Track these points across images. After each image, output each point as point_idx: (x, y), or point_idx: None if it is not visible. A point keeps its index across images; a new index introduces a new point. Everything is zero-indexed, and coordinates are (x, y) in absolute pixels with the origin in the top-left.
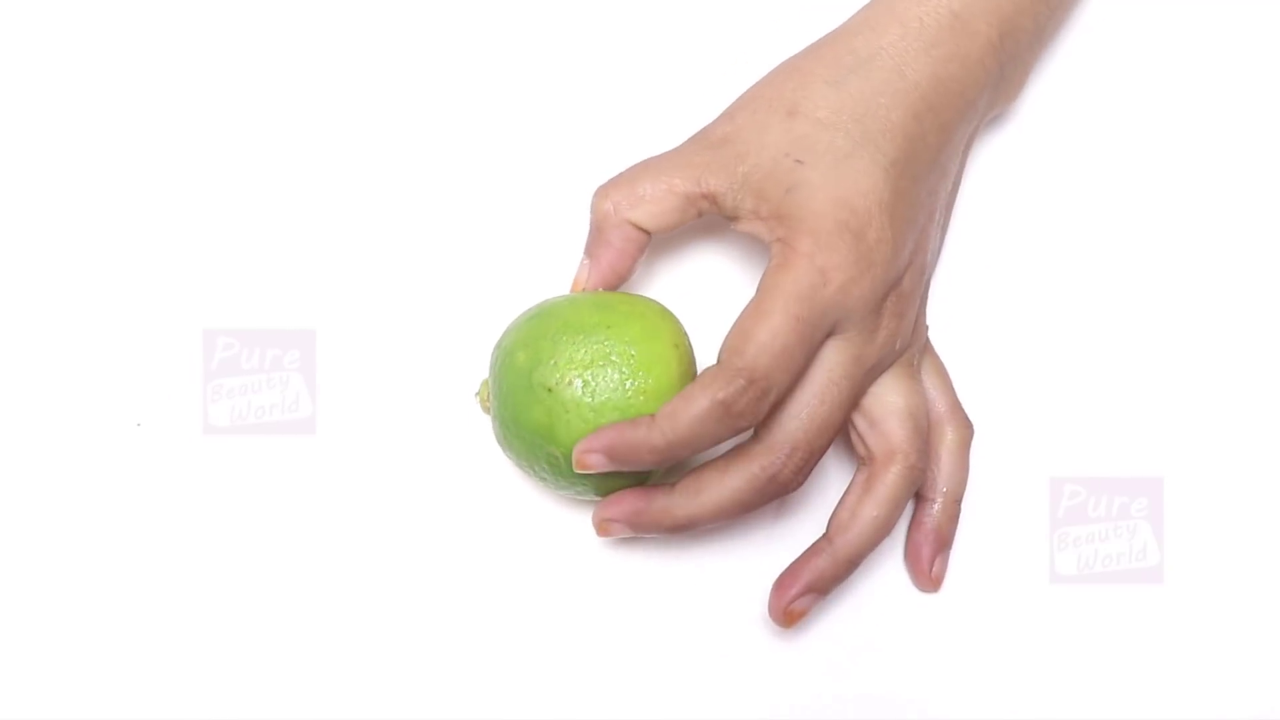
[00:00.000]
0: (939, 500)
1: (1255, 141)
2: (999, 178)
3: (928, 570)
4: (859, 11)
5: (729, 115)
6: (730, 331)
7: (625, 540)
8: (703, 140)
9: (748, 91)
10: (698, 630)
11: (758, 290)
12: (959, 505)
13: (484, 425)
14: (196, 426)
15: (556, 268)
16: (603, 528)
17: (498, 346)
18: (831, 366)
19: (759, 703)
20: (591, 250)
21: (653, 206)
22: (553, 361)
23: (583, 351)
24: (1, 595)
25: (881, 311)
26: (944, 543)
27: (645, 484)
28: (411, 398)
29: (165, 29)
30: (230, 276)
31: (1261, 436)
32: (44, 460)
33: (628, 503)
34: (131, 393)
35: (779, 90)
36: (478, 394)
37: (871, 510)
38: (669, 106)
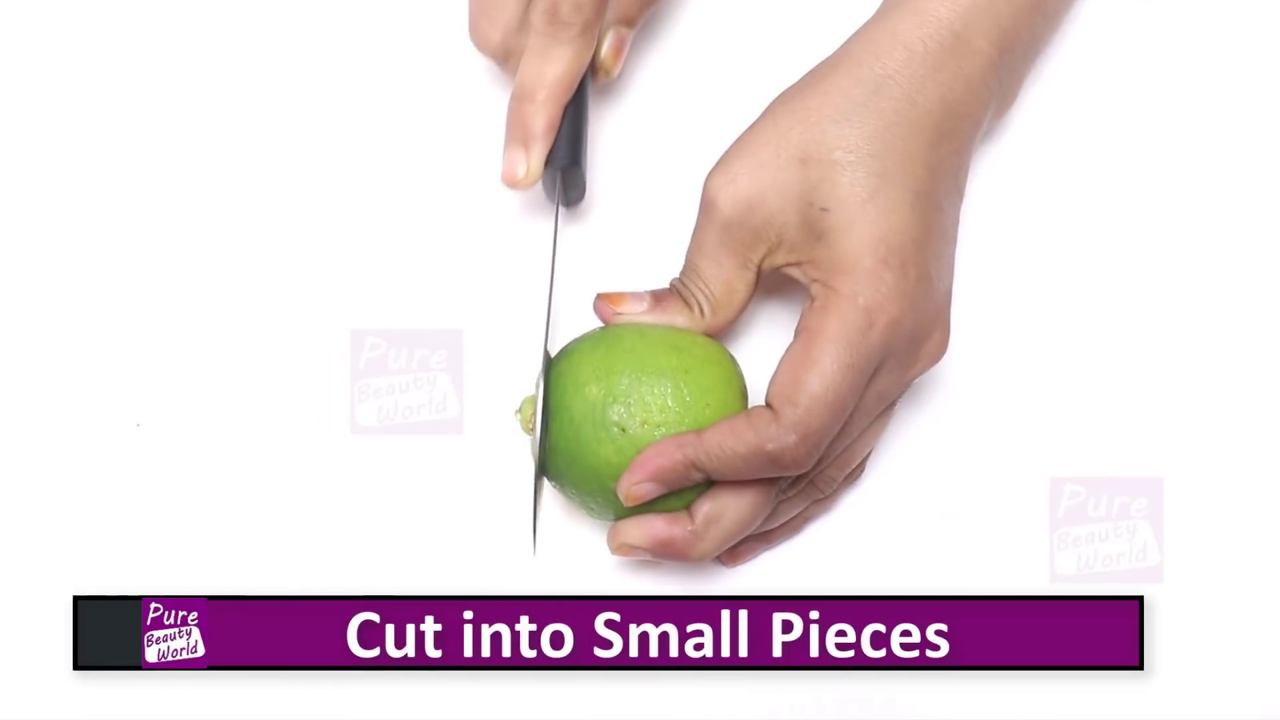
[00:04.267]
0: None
1: (1249, 142)
2: (995, 180)
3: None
4: (857, 36)
5: (729, 174)
6: (779, 376)
7: None
8: (721, 219)
9: (747, 135)
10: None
11: (802, 332)
12: None
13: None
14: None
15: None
16: (622, 550)
17: (555, 371)
18: (858, 404)
19: (759, 703)
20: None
21: (730, 311)
22: (629, 402)
23: (661, 396)
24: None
25: (919, 353)
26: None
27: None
28: None
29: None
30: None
31: (1261, 436)
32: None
33: (651, 532)
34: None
35: (785, 136)
36: (519, 412)
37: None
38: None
